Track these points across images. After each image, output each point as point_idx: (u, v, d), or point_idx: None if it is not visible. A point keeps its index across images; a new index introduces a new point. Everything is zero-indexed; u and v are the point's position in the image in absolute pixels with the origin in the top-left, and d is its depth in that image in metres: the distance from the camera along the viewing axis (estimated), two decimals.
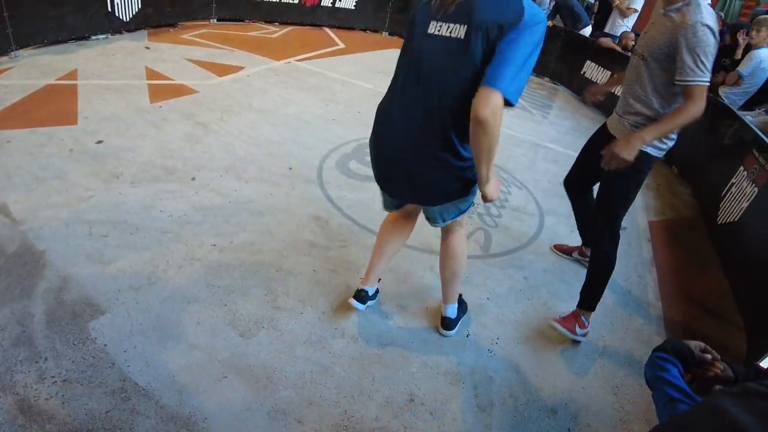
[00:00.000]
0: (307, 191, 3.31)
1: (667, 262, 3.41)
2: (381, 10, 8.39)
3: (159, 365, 1.98)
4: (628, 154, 2.08)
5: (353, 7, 8.34)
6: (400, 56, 1.67)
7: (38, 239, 2.55)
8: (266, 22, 8.08)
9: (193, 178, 3.28)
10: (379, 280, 2.44)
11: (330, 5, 8.21)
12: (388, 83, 1.79)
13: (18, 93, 4.21)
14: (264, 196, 3.19)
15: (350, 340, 2.24)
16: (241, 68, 5.66)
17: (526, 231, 3.39)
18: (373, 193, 3.42)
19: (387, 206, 2.16)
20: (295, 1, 7.99)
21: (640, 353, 2.50)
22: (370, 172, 3.70)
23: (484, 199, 1.70)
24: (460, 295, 2.44)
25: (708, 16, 2.00)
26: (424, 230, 3.10)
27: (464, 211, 1.99)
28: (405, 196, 1.97)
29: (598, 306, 2.52)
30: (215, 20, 7.60)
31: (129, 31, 6.34)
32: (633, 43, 6.11)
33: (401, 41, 1.75)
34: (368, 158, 3.89)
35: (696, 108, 2.04)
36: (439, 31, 1.48)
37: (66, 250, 2.50)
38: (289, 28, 7.87)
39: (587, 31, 7.19)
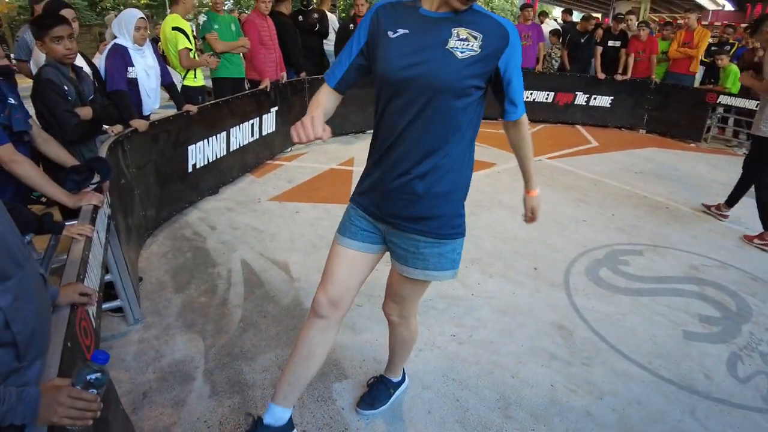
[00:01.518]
0: (552, 296, 3.13)
1: None
2: (639, 107, 7.92)
3: None
4: None
5: (608, 105, 8.07)
6: None
7: (307, 298, 2.95)
8: None
9: None
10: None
11: (584, 103, 8.11)
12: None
13: (308, 173, 5.20)
14: (507, 294, 3.13)
15: None
16: (493, 164, 5.89)
17: None
18: (626, 308, 3.06)
19: None
20: (548, 100, 8.14)
21: None
22: (622, 283, 3.39)
23: None
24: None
25: None
26: (685, 363, 2.61)
27: None
28: None
29: None
30: None
31: None
32: None
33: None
34: (622, 267, 3.53)
35: None
36: None
37: None
38: (542, 125, 7.99)
39: None
